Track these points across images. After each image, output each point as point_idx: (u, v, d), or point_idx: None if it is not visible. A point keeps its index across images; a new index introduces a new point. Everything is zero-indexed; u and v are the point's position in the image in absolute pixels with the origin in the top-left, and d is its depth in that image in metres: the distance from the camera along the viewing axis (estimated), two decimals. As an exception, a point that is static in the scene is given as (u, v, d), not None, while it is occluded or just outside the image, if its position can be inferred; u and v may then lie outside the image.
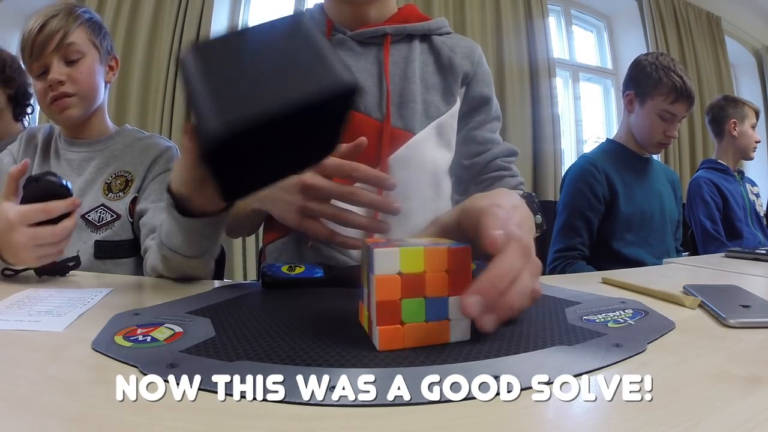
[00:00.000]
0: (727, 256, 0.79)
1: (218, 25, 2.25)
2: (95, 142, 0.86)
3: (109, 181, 0.82)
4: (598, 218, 1.16)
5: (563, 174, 1.30)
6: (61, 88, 0.78)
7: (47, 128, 0.88)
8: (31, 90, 1.17)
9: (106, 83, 0.88)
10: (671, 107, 1.15)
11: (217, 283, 0.54)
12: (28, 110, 1.23)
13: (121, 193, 0.81)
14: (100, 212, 0.80)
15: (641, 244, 1.16)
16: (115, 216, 0.80)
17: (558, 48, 2.65)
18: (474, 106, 0.73)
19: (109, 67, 0.89)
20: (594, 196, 1.15)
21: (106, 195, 0.81)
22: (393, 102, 0.67)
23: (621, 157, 1.23)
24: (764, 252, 0.74)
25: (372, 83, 0.68)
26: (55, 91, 0.78)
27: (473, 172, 0.72)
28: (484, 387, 0.23)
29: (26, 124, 1.24)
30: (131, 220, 0.81)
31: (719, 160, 1.62)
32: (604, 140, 1.33)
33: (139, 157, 0.84)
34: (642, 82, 1.20)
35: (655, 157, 1.35)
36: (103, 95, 0.86)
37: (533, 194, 0.55)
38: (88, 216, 0.79)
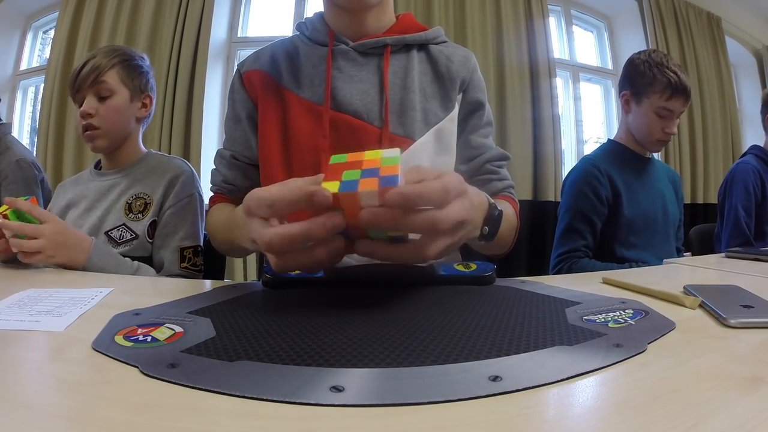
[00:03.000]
0: (727, 257, 0.79)
1: (218, 25, 2.25)
2: (122, 169, 0.96)
3: (130, 202, 0.91)
4: (601, 221, 1.15)
5: (564, 177, 1.28)
6: (90, 120, 0.90)
7: (74, 178, 1.03)
8: None
9: (138, 119, 0.98)
10: (668, 104, 1.14)
11: (217, 283, 0.54)
12: None
13: (140, 215, 0.90)
14: (122, 230, 0.89)
15: (645, 246, 1.15)
16: (134, 236, 0.89)
17: (558, 48, 2.65)
18: (470, 111, 0.75)
19: (143, 104, 0.99)
20: (597, 198, 1.14)
21: (127, 215, 0.90)
22: (393, 110, 0.69)
23: (622, 158, 1.22)
24: (764, 252, 0.74)
25: (374, 92, 0.69)
26: (85, 121, 0.90)
27: (467, 176, 0.74)
28: (484, 387, 0.23)
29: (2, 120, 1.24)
30: (150, 240, 0.90)
31: None
32: (605, 141, 1.31)
33: (158, 179, 0.93)
34: (636, 81, 1.19)
35: (655, 156, 1.33)
36: (130, 128, 0.97)
37: (499, 208, 0.52)
38: (111, 233, 0.88)
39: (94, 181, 0.96)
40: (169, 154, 2.02)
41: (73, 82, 0.91)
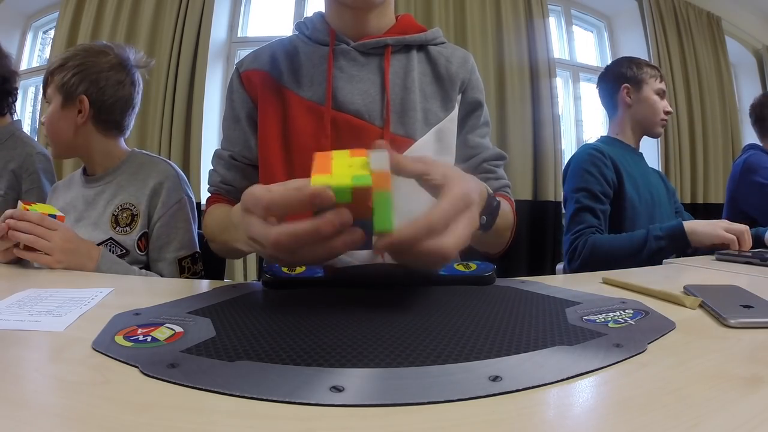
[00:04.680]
0: (718, 259, 0.80)
1: (218, 25, 2.25)
2: (104, 175, 0.91)
3: (116, 213, 0.87)
4: (608, 202, 1.15)
5: (564, 165, 1.31)
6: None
7: (67, 180, 0.99)
8: (15, 85, 1.25)
9: (79, 126, 0.88)
10: (661, 85, 1.28)
11: (217, 283, 0.54)
12: (11, 103, 1.25)
13: (128, 228, 0.86)
14: (110, 246, 0.84)
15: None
16: (125, 251, 0.85)
17: (558, 48, 2.65)
18: (468, 111, 0.76)
19: (78, 110, 0.87)
20: (603, 178, 1.15)
21: (114, 228, 0.86)
22: (394, 110, 0.69)
23: (620, 148, 1.27)
24: (750, 255, 0.75)
25: (375, 92, 0.70)
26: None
27: None
28: (484, 387, 0.23)
29: (14, 117, 1.25)
30: (141, 253, 0.86)
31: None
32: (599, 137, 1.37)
33: (141, 186, 0.88)
34: (629, 73, 1.30)
35: (656, 159, 1.36)
36: (75, 138, 0.88)
37: (496, 198, 0.54)
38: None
39: (82, 188, 0.93)
40: (169, 154, 2.03)
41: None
